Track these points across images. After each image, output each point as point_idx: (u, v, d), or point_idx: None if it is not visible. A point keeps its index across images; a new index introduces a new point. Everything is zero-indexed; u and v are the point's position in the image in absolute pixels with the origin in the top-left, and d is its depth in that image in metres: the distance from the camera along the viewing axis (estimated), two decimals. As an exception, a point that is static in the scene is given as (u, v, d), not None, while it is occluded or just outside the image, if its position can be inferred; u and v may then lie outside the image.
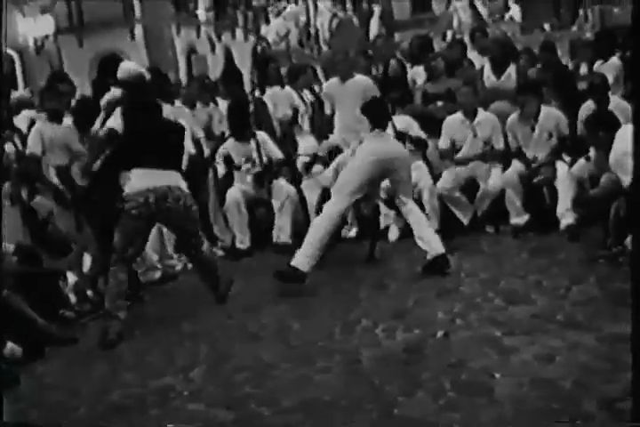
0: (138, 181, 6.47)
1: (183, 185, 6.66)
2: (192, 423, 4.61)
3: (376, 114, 7.53)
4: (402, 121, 8.41)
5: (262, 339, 5.96)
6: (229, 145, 8.91)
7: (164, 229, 8.11)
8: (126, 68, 8.07)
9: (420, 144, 8.57)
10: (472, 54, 10.45)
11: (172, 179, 6.57)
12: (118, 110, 6.92)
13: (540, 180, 8.09)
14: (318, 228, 7.07)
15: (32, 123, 8.66)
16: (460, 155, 8.53)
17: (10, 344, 5.92)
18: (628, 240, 6.26)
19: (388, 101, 8.43)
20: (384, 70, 10.33)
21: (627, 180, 6.22)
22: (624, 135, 6.22)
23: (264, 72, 10.21)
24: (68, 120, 8.09)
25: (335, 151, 8.88)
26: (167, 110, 8.38)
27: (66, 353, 6.20)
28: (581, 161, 7.80)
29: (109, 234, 7.25)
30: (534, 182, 8.11)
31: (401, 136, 8.11)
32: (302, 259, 6.92)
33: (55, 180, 7.84)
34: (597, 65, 9.19)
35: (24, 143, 8.23)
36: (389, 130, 7.90)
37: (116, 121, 6.89)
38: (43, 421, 4.96)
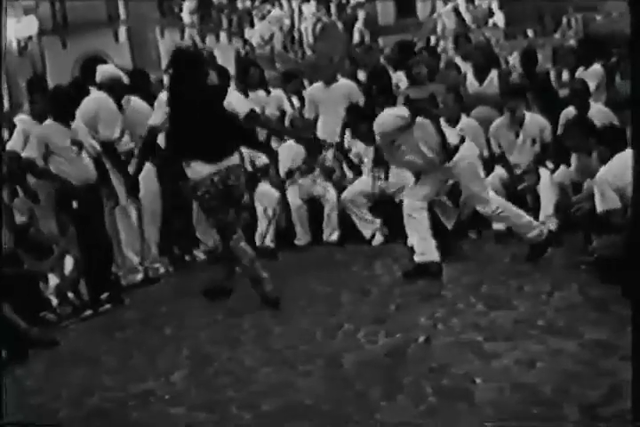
0: (200, 168, 6.55)
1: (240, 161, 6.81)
2: (173, 427, 4.61)
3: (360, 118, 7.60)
4: None
5: (244, 343, 5.95)
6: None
7: (146, 231, 8.13)
8: (104, 71, 8.06)
9: None
10: (456, 59, 10.48)
11: (230, 160, 6.65)
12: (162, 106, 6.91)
13: (523, 187, 8.12)
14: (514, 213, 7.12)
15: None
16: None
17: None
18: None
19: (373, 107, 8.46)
20: (368, 76, 10.34)
21: (600, 206, 6.15)
22: (616, 164, 6.11)
23: (245, 76, 10.15)
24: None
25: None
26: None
27: (47, 356, 6.18)
28: (564, 167, 7.84)
29: (94, 234, 7.25)
30: (518, 190, 8.14)
31: None
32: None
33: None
34: (579, 72, 9.23)
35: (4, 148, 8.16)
36: None
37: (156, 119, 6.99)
38: (22, 424, 4.93)
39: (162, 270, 8.29)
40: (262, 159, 8.92)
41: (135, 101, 8.09)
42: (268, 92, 9.95)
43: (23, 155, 7.39)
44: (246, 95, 9.90)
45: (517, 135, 8.23)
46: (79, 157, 7.39)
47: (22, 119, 8.09)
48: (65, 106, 7.43)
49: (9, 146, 7.85)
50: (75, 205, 7.31)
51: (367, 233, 8.50)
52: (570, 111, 8.18)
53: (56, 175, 7.34)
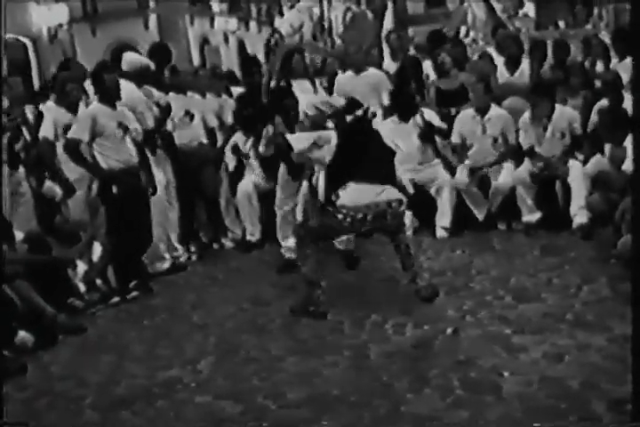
0: (357, 194, 6.08)
1: (402, 197, 6.25)
2: (199, 416, 4.61)
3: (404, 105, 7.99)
4: (425, 113, 8.47)
5: (271, 332, 5.95)
6: (238, 138, 8.87)
7: (170, 219, 8.13)
8: (131, 59, 8.02)
9: (442, 134, 8.62)
10: (489, 50, 10.37)
11: (390, 193, 6.20)
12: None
13: (550, 177, 8.07)
14: None
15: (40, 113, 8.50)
16: (470, 151, 8.50)
17: (21, 333, 5.92)
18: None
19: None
20: (399, 65, 10.25)
21: None
22: None
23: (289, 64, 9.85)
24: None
25: None
26: (180, 100, 8.39)
27: (74, 342, 6.21)
28: (595, 160, 7.78)
29: (131, 221, 7.21)
30: (538, 173, 8.09)
31: (429, 126, 8.37)
32: None
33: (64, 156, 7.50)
34: (614, 63, 9.14)
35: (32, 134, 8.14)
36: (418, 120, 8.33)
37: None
38: (49, 410, 4.96)
39: (183, 259, 8.29)
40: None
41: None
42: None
43: (68, 136, 7.24)
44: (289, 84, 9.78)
45: (545, 128, 8.17)
46: (122, 141, 7.25)
47: (50, 107, 8.06)
48: (109, 87, 7.26)
49: (42, 133, 7.82)
50: (115, 190, 7.22)
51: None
52: (603, 104, 8.12)
53: (95, 164, 7.23)
